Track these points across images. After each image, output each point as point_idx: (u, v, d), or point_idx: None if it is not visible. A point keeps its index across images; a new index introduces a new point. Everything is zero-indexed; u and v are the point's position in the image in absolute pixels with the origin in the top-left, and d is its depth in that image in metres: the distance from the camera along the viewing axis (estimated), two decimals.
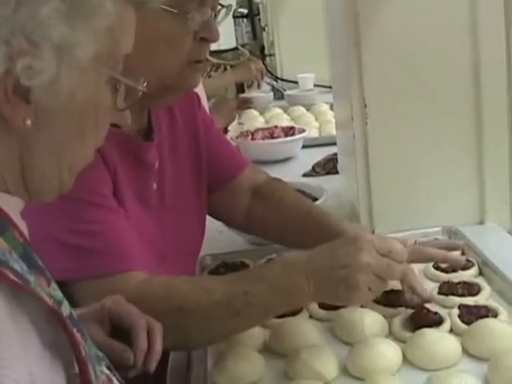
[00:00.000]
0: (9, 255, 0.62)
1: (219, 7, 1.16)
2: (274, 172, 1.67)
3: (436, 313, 1.17)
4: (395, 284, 1.19)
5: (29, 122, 0.64)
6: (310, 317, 1.25)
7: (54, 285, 0.69)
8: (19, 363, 0.58)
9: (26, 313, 0.62)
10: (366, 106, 1.53)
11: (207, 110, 2.37)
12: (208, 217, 1.46)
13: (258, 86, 3.74)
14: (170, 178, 1.29)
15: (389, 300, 1.21)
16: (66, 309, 0.68)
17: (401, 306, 1.20)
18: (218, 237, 1.65)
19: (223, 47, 4.00)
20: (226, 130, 2.89)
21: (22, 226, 0.69)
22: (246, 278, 1.09)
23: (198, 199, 1.39)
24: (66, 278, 1.02)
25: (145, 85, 0.75)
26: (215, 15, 1.15)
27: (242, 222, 1.48)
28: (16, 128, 0.64)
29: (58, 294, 0.69)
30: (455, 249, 1.27)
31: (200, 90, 2.14)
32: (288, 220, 1.41)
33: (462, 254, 1.42)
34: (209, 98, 2.78)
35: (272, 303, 1.05)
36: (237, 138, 2.57)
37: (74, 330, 0.67)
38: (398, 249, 1.03)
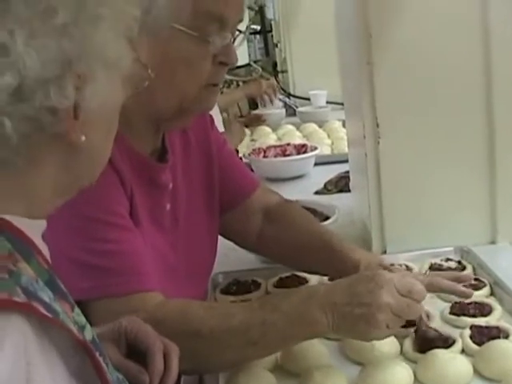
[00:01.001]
0: (36, 284, 0.62)
1: (237, 32, 1.17)
2: (286, 190, 1.67)
3: (447, 338, 1.16)
4: None
5: (83, 138, 0.66)
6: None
7: (77, 310, 0.69)
8: None
9: (54, 344, 0.63)
10: (378, 126, 1.53)
11: (221, 129, 2.37)
12: None
13: (271, 102, 3.74)
14: (183, 199, 1.29)
15: None
16: (88, 333, 0.68)
17: (412, 326, 1.20)
18: (230, 254, 1.65)
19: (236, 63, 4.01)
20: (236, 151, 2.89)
21: (44, 250, 0.69)
22: (263, 307, 1.08)
23: (211, 220, 1.39)
24: (83, 298, 1.01)
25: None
26: (234, 39, 1.17)
27: (253, 243, 1.48)
28: (72, 145, 0.66)
29: (82, 319, 0.69)
30: (464, 281, 1.26)
31: (214, 108, 2.15)
32: (300, 244, 1.40)
33: (474, 273, 1.43)
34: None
35: (289, 334, 1.05)
36: (249, 155, 2.57)
37: (97, 354, 0.67)
38: (418, 289, 1.05)
